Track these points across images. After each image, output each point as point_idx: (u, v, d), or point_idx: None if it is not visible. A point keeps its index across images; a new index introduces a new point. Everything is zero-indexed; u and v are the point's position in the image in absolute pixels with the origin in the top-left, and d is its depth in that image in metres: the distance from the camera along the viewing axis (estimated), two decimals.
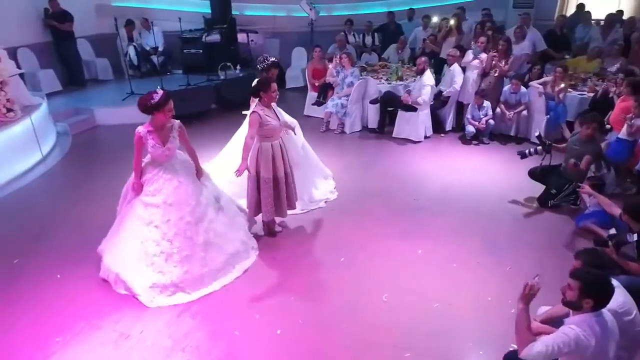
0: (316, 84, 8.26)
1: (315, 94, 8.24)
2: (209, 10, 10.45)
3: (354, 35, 10.08)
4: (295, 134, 4.84)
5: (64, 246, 4.50)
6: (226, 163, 4.85)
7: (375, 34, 10.10)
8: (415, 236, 4.59)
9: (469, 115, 7.01)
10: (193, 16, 10.71)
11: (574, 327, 2.25)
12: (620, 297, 2.64)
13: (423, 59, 6.95)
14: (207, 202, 4.04)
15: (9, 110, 6.15)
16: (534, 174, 5.26)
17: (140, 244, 3.79)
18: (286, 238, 4.65)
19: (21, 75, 7.32)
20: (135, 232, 3.83)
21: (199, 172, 4.11)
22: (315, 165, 5.48)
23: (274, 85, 4.22)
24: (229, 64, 9.75)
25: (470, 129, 6.94)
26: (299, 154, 5.03)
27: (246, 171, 4.13)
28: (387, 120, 7.51)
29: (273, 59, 4.87)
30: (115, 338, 3.33)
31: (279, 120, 4.39)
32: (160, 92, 3.72)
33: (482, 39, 7.17)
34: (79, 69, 9.71)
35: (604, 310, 2.36)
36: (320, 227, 4.87)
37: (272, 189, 4.35)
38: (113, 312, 3.58)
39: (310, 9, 10.59)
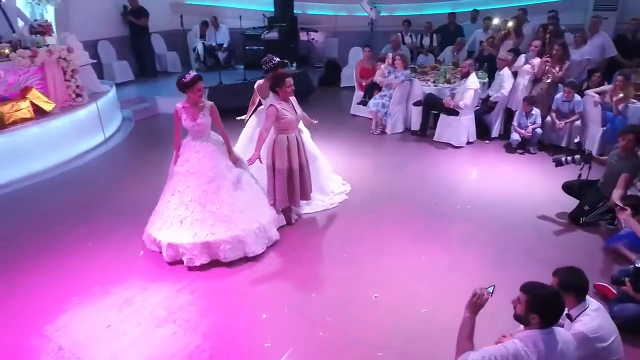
0: (363, 84, 8.28)
1: (362, 93, 8.26)
2: (272, 9, 10.86)
3: (411, 35, 9.94)
4: (315, 126, 5.00)
5: (103, 219, 5.00)
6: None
7: (434, 35, 9.89)
8: (426, 241, 4.51)
9: (515, 123, 6.67)
10: (258, 14, 11.19)
11: (517, 341, 2.15)
12: (594, 322, 2.47)
13: (468, 62, 6.73)
14: (232, 179, 4.28)
15: (78, 95, 6.91)
16: (569, 188, 4.93)
17: (166, 208, 4.23)
18: (297, 229, 4.79)
19: (96, 65, 8.15)
20: (165, 199, 4.29)
21: (231, 154, 4.38)
22: (324, 160, 5.57)
23: (289, 81, 4.38)
24: (286, 61, 10.05)
25: (515, 136, 6.61)
26: (312, 148, 5.20)
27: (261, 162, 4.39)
28: (430, 123, 7.36)
29: (277, 59, 4.93)
30: (120, 303, 3.68)
31: (296, 114, 4.55)
32: (192, 73, 4.15)
33: (536, 42, 6.77)
34: (151, 61, 10.58)
35: (559, 329, 2.23)
36: (333, 222, 4.95)
37: (286, 179, 4.52)
38: (125, 281, 3.95)
39: (371, 9, 10.62)
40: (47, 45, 6.42)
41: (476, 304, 2.36)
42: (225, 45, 10.92)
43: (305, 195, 4.78)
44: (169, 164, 4.53)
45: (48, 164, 6.28)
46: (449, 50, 9.10)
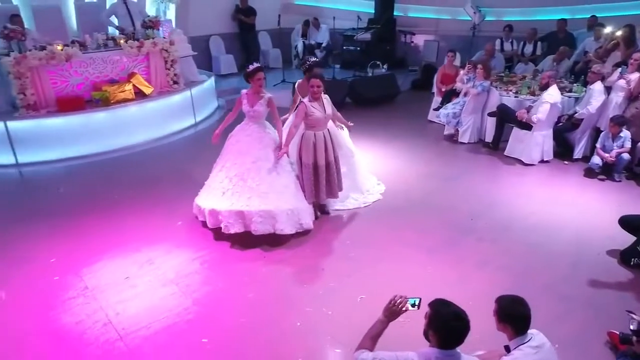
0: (443, 89, 8.01)
1: (440, 99, 8.00)
2: (373, 10, 11.00)
3: (512, 42, 9.27)
4: (348, 128, 5.10)
5: (168, 189, 5.72)
6: None
7: (539, 42, 9.09)
8: (442, 253, 4.35)
9: (599, 145, 5.91)
10: (361, 15, 11.38)
11: (413, 354, 2.10)
12: (526, 358, 2.26)
13: (548, 72, 6.14)
14: (275, 163, 4.62)
15: (175, 82, 7.90)
16: (626, 223, 4.29)
17: (213, 181, 4.76)
18: (320, 223, 4.93)
19: (206, 57, 9.11)
20: (214, 173, 4.82)
21: (282, 147, 4.67)
22: (361, 158, 5.65)
23: (314, 82, 4.57)
24: (378, 62, 10.18)
25: (596, 160, 5.86)
26: (349, 145, 5.35)
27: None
28: (507, 136, 6.86)
29: (314, 59, 5.14)
30: (144, 262, 4.27)
31: (324, 112, 4.70)
32: (255, 65, 4.67)
33: (637, 55, 5.87)
34: (256, 56, 11.44)
35: (467, 357, 2.10)
36: (357, 221, 5.02)
37: (312, 174, 4.72)
38: (156, 244, 4.55)
39: (474, 13, 10.15)
40: (153, 38, 7.44)
41: (391, 310, 2.33)
42: (324, 45, 11.36)
43: (332, 192, 4.92)
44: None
45: (142, 139, 7.32)
46: (549, 59, 8.31)
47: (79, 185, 6.01)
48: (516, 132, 6.47)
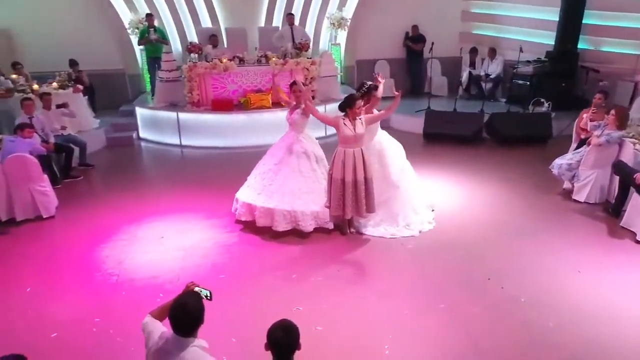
0: (582, 136, 6.68)
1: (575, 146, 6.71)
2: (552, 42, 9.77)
3: None
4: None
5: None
6: None
7: None
8: (417, 303, 4.01)
9: None
10: (537, 47, 10.20)
11: (165, 331, 2.35)
12: None
13: None
14: (295, 169, 5.20)
15: (312, 97, 8.88)
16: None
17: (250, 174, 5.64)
18: (335, 239, 5.10)
19: (370, 79, 9.81)
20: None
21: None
22: (416, 191, 5.46)
23: (359, 103, 4.81)
24: (542, 99, 9.09)
25: None
26: (395, 176, 5.29)
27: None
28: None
29: (370, 83, 5.27)
30: (181, 229, 5.31)
31: (355, 132, 4.83)
32: (295, 78, 5.26)
33: None
34: (419, 82, 11.58)
35: (198, 349, 2.26)
36: (369, 249, 4.97)
37: (341, 189, 4.94)
38: (200, 219, 5.57)
39: None
40: (299, 57, 8.62)
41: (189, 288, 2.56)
42: (492, 76, 10.63)
43: (359, 211, 5.01)
44: None
45: (270, 141, 8.50)
46: None
47: (207, 166, 7.61)
48: (635, 199, 5.06)
